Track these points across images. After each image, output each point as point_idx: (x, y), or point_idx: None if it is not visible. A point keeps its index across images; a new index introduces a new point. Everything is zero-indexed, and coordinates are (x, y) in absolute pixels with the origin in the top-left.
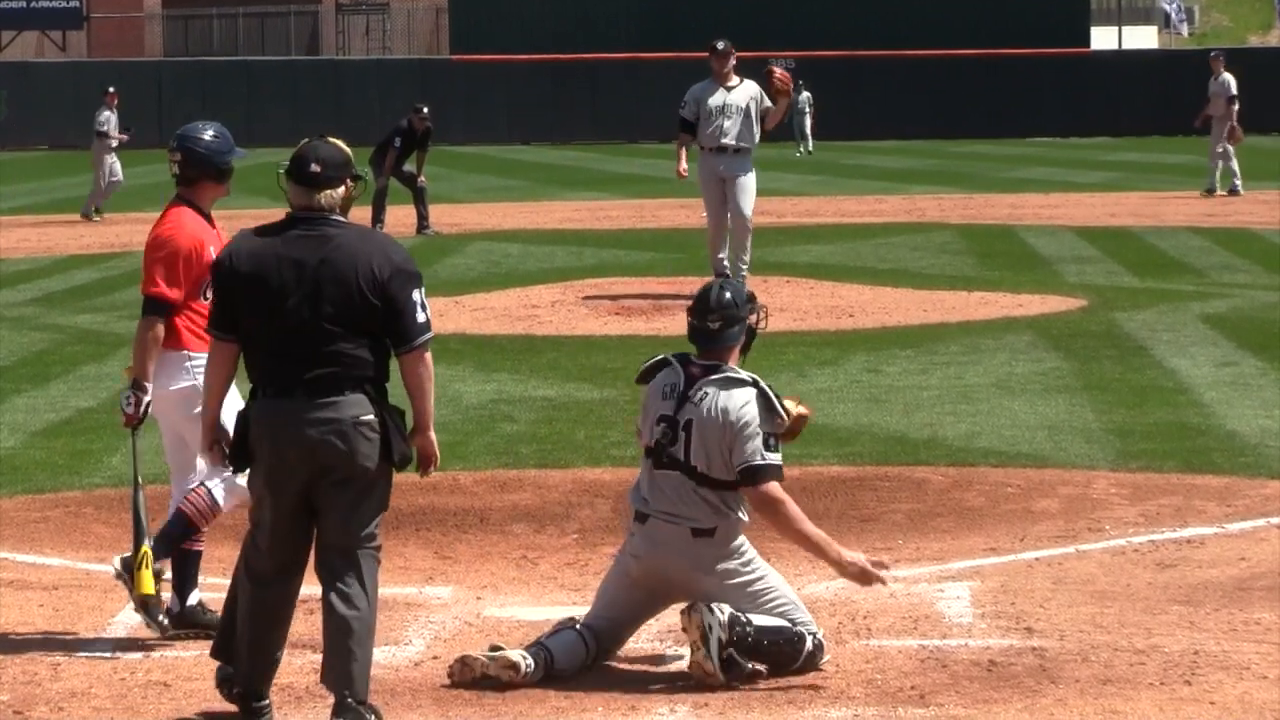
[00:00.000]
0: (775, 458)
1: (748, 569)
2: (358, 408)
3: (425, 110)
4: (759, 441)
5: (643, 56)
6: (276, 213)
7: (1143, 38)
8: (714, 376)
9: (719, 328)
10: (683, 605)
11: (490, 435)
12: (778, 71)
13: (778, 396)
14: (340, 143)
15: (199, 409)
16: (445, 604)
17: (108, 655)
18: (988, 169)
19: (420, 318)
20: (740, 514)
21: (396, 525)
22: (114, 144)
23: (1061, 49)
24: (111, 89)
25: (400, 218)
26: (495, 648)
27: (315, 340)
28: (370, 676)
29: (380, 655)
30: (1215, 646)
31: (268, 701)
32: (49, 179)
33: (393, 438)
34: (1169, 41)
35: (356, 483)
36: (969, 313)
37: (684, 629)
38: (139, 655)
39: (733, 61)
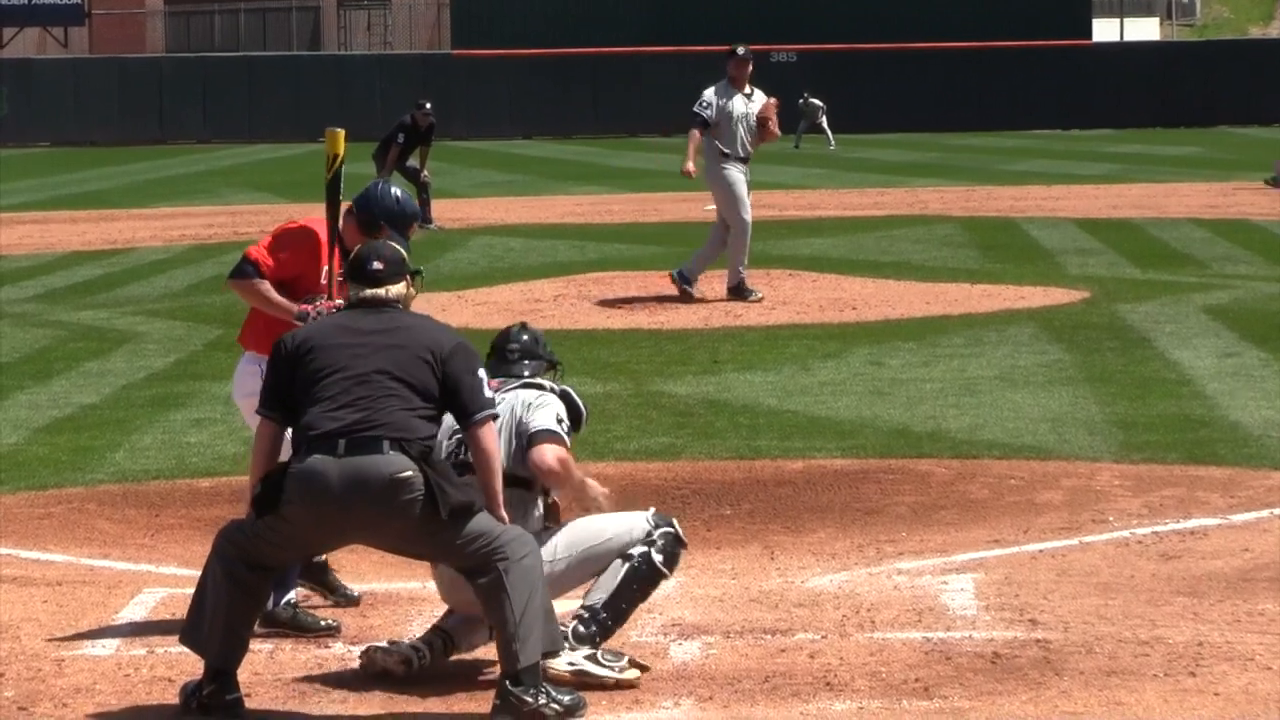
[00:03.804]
0: (559, 428)
1: (563, 552)
2: (396, 465)
3: (428, 106)
4: (547, 415)
5: (645, 50)
6: (276, 209)
7: (1144, 29)
8: (512, 385)
9: (517, 357)
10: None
11: None
12: (771, 125)
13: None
14: (397, 245)
15: None
16: None
17: (112, 651)
18: (990, 162)
19: (485, 393)
20: (537, 511)
21: None
22: None
23: (1063, 41)
24: None
25: None
26: (394, 642)
27: (364, 397)
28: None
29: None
30: (1219, 638)
31: (239, 695)
32: (50, 175)
33: (438, 491)
34: (1170, 33)
35: (414, 538)
36: (971, 305)
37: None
38: (143, 651)
39: (750, 69)
